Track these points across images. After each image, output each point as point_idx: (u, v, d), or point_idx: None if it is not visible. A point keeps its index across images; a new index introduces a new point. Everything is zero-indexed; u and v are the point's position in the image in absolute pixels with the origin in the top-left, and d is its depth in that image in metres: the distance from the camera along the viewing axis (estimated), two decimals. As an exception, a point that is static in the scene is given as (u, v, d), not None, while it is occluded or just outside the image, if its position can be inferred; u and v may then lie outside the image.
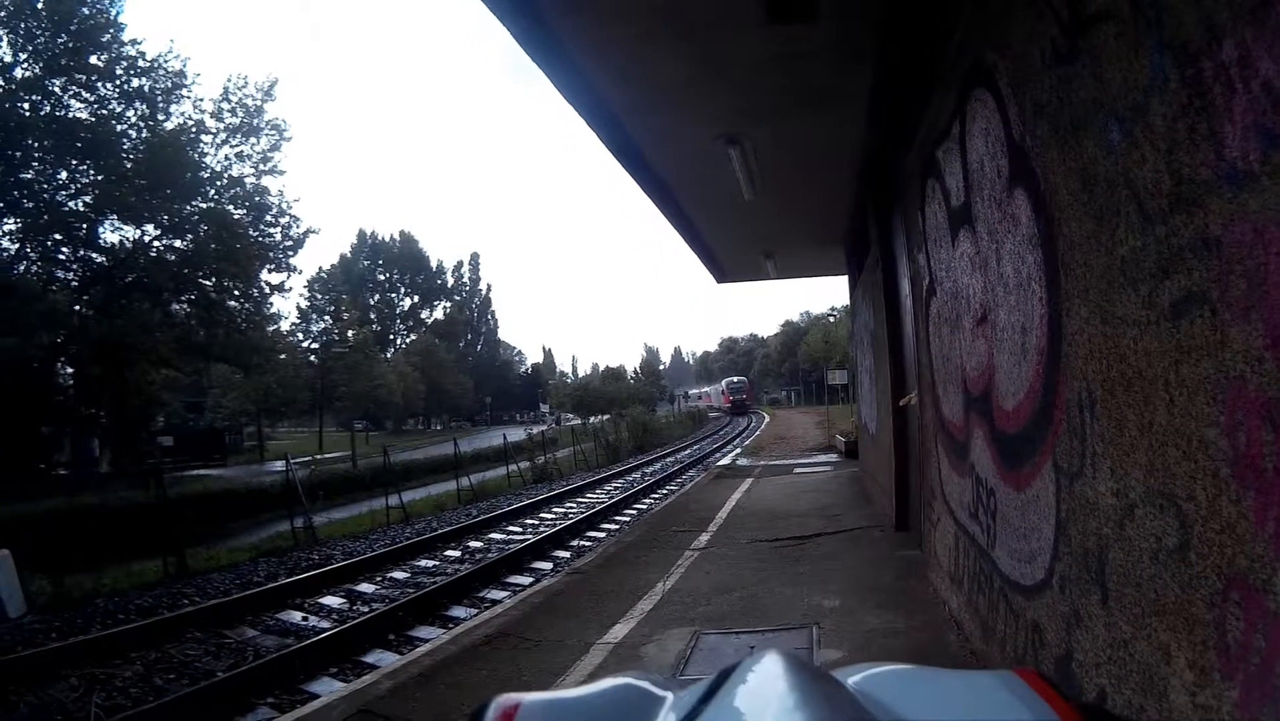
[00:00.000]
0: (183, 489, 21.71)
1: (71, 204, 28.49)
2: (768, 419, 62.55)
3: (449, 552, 14.41)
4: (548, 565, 12.57)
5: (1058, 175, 2.83)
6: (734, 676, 1.03)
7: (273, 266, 34.53)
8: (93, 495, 20.72)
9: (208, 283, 32.00)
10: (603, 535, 14.87)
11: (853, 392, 22.31)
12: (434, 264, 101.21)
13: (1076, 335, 2.76)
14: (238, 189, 32.32)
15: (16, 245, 28.31)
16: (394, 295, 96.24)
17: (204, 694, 7.20)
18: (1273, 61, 1.56)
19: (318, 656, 8.17)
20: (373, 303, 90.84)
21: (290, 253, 34.77)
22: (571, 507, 19.49)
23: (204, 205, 30.89)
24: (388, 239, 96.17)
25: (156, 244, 30.87)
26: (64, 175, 28.10)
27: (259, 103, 32.28)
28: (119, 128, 28.59)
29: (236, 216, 32.06)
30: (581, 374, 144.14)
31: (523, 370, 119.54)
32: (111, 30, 27.81)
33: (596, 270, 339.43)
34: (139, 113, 29.16)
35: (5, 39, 26.08)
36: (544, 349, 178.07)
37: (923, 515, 7.10)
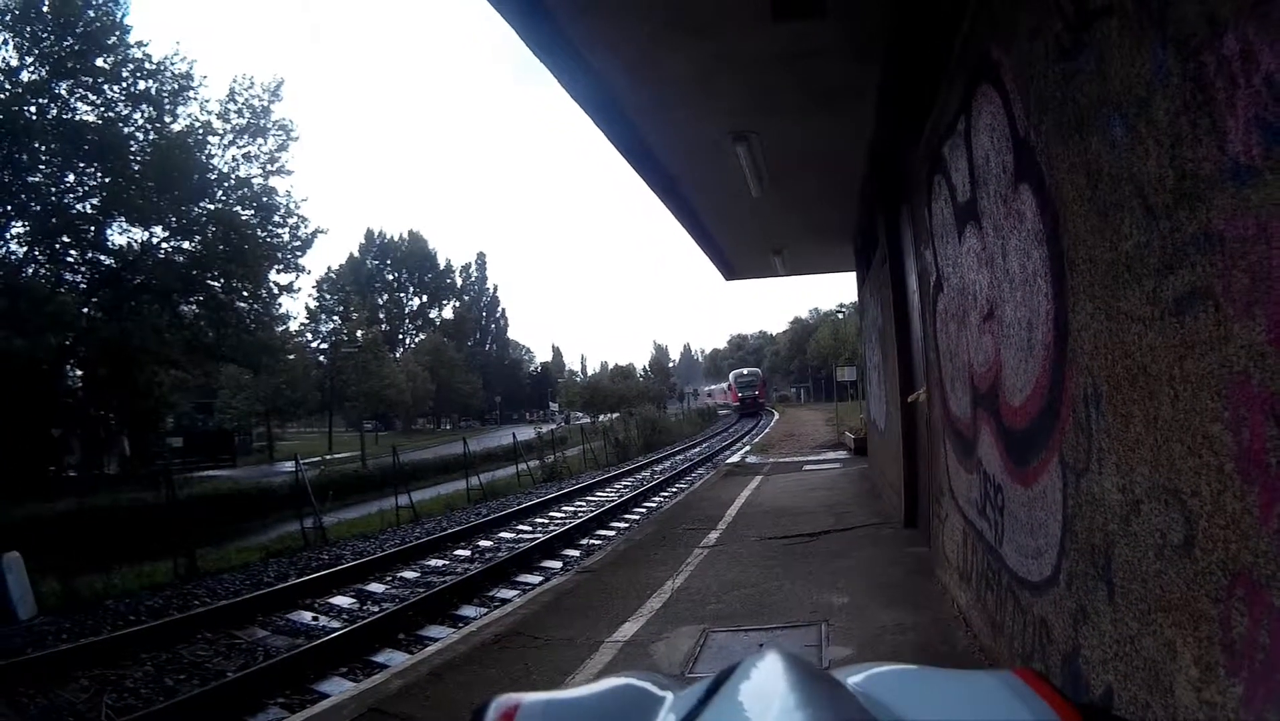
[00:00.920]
0: (192, 490, 21.84)
1: (79, 206, 28.47)
2: (777, 416, 62.65)
3: (459, 552, 14.47)
4: (557, 564, 12.62)
5: (1063, 171, 2.82)
6: (734, 676, 1.03)
7: (281, 267, 34.47)
8: (102, 496, 20.78)
9: (216, 284, 31.94)
10: (612, 533, 14.91)
11: (861, 389, 22.29)
12: (443, 263, 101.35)
13: (1082, 331, 2.76)
14: (245, 190, 32.23)
15: (24, 248, 28.31)
16: (403, 295, 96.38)
17: (214, 694, 7.23)
18: (1274, 56, 1.55)
19: (328, 656, 8.20)
20: (381, 302, 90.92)
21: (298, 253, 34.72)
22: (581, 506, 19.54)
23: (212, 206, 30.83)
24: (396, 238, 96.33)
25: (165, 245, 30.87)
26: (71, 178, 28.10)
27: (265, 103, 32.22)
28: (126, 130, 28.54)
29: (244, 217, 31.97)
30: (591, 372, 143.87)
31: (532, 369, 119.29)
32: (117, 33, 27.80)
33: (605, 268, 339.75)
34: (146, 115, 29.10)
35: (11, 42, 26.09)
36: (553, 348, 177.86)
37: (931, 512, 7.09)
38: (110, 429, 32.68)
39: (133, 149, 28.72)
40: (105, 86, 27.79)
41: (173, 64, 29.61)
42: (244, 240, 31.16)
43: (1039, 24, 2.94)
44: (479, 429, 73.96)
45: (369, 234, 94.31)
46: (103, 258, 30.20)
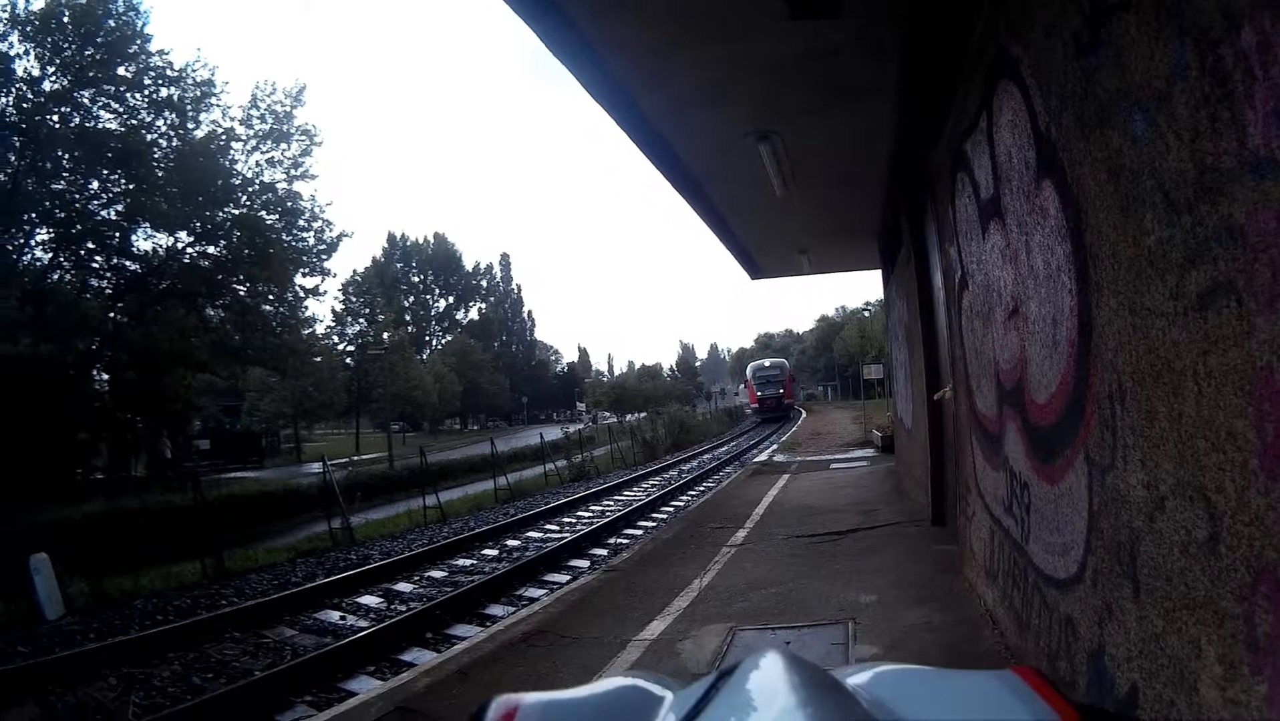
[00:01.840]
0: (220, 491, 21.99)
1: (104, 213, 28.70)
2: (804, 415, 62.42)
3: (486, 551, 14.50)
4: (585, 563, 12.62)
5: (1084, 166, 2.81)
6: (734, 676, 1.04)
7: (306, 270, 34.63)
8: (130, 499, 21.00)
9: (242, 288, 32.16)
10: (640, 532, 14.88)
11: (888, 387, 22.18)
12: (469, 265, 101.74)
13: (1106, 327, 2.74)
14: (269, 194, 32.36)
15: (50, 255, 28.60)
16: (428, 296, 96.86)
17: (242, 692, 7.29)
18: (1292, 48, 1.54)
19: (355, 655, 8.24)
20: (408, 304, 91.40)
21: (324, 256, 34.79)
22: (609, 505, 19.54)
23: (236, 211, 30.97)
24: (421, 240, 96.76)
25: (190, 250, 31.08)
26: (95, 185, 28.36)
27: (288, 109, 32.32)
28: (149, 137, 28.76)
29: (269, 222, 32.10)
30: (617, 372, 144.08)
31: (559, 369, 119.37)
32: (139, 41, 28.00)
33: (631, 268, 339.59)
34: (168, 122, 29.33)
35: (33, 53, 26.36)
36: (580, 348, 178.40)
37: (958, 509, 7.06)
38: (137, 432, 32.94)
39: (156, 156, 28.99)
40: (127, 94, 28.06)
41: (194, 71, 29.89)
42: (269, 244, 31.32)
43: (1056, 19, 2.93)
44: (506, 429, 74.15)
45: (391, 237, 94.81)
46: (128, 263, 30.48)
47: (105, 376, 31.55)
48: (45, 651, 9.50)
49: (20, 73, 26.32)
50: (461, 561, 13.68)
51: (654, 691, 1.14)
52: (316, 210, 34.38)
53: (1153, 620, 2.41)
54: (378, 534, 18.23)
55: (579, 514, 18.55)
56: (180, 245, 30.91)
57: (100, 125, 27.79)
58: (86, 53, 26.59)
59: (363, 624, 9.90)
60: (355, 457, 40.87)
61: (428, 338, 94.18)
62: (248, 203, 31.69)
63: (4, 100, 26.07)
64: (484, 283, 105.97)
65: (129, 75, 27.82)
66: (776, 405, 63.85)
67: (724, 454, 33.34)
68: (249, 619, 10.27)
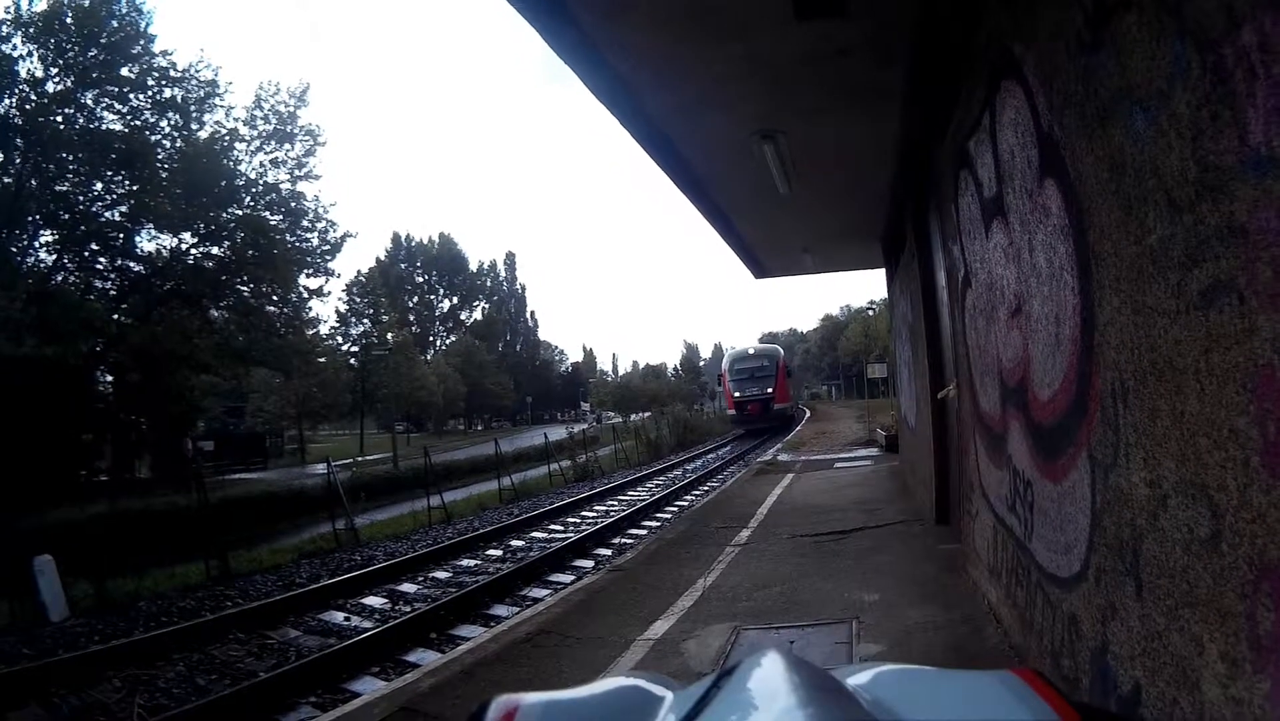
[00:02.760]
0: (224, 492, 22.02)
1: (108, 214, 28.85)
2: (808, 414, 62.39)
3: (491, 551, 14.51)
4: (589, 562, 12.63)
5: (1087, 165, 2.81)
6: (734, 676, 1.04)
7: (311, 271, 34.70)
8: (134, 500, 21.01)
9: (246, 289, 32.28)
10: (644, 532, 14.89)
11: (892, 386, 22.17)
12: (474, 266, 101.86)
13: (1109, 325, 2.74)
14: (273, 195, 32.50)
15: (54, 256, 28.75)
16: (433, 297, 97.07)
17: (246, 693, 7.30)
18: (1293, 47, 1.55)
19: (360, 655, 8.24)
20: (411, 305, 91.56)
21: (328, 257, 34.86)
22: (613, 505, 19.56)
23: (240, 212, 31.10)
24: (425, 241, 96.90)
25: (194, 251, 31.22)
26: (99, 186, 28.46)
27: (292, 109, 32.46)
28: (153, 138, 28.92)
29: (273, 222, 32.27)
30: (622, 372, 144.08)
31: (563, 369, 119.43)
32: (142, 42, 28.12)
33: (635, 268, 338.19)
34: (172, 122, 29.47)
35: (36, 54, 26.46)
36: (584, 348, 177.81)
37: (962, 508, 7.06)
38: (141, 433, 33.01)
39: (160, 156, 29.14)
40: (131, 95, 28.18)
41: (198, 71, 30.01)
42: (273, 245, 31.47)
43: (1059, 19, 2.93)
44: (510, 429, 74.09)
45: (395, 237, 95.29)
46: (132, 264, 30.66)
47: (109, 378, 31.67)
48: (49, 653, 9.52)
49: (23, 74, 26.52)
50: (466, 561, 13.68)
51: (654, 691, 1.14)
52: (320, 211, 34.57)
53: (1155, 618, 2.41)
54: (382, 534, 18.24)
55: (583, 514, 18.56)
56: (184, 246, 31.10)
57: (104, 126, 27.95)
58: (90, 54, 26.72)
59: (367, 624, 9.91)
60: (359, 458, 40.91)
61: (432, 338, 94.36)
62: (252, 203, 31.86)
63: (7, 102, 26.22)
64: (488, 282, 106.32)
65: (132, 76, 27.94)
66: (763, 411, 44.72)
67: (728, 453, 33.35)
68: (253, 620, 10.27)
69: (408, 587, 11.89)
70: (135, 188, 28.09)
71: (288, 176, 33.18)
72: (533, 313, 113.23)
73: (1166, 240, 2.19)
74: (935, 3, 5.21)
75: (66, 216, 27.72)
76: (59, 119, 26.67)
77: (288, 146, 32.80)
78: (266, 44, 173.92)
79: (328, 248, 34.74)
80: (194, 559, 14.85)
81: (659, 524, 15.66)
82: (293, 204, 33.28)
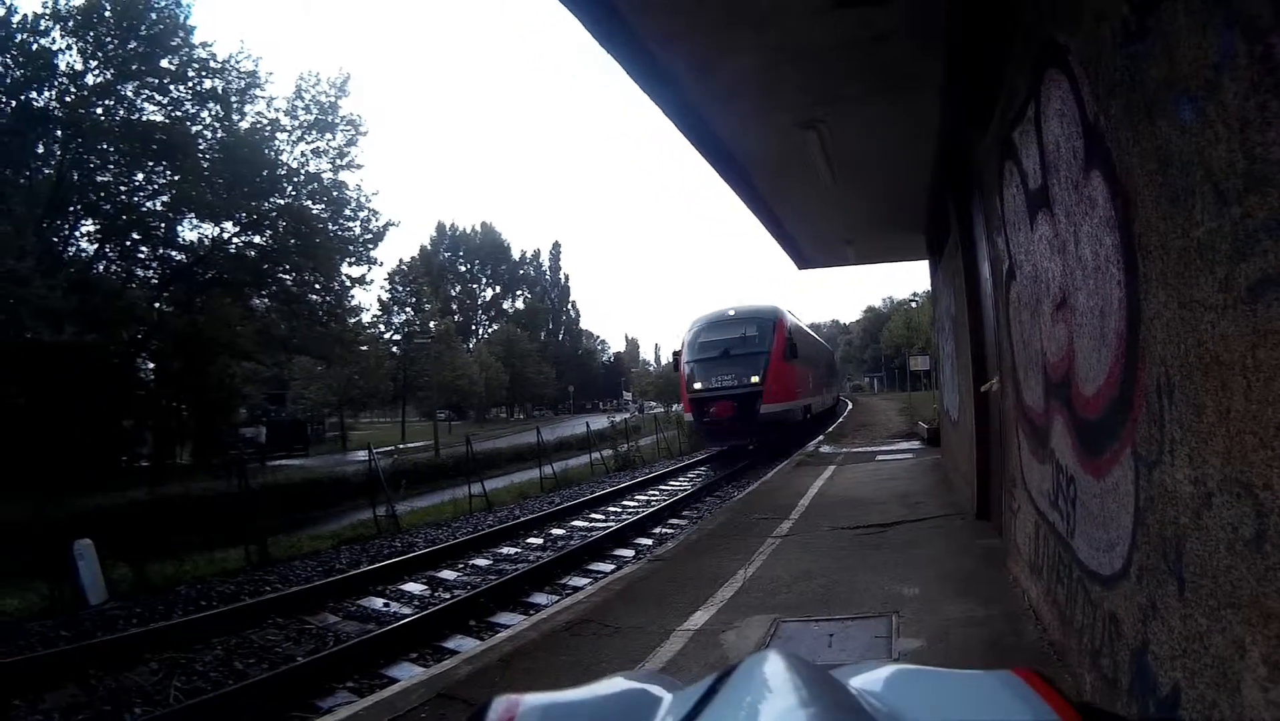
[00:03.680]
0: (265, 478, 22.27)
1: (149, 204, 29.31)
2: (850, 406, 61.79)
3: (531, 540, 14.57)
4: (629, 552, 12.66)
5: (1133, 156, 2.76)
6: (734, 676, 1.04)
7: (353, 260, 34.99)
8: (174, 486, 21.33)
9: (288, 277, 32.72)
10: (684, 522, 14.92)
11: (935, 379, 21.98)
12: (516, 255, 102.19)
13: (1154, 319, 2.69)
14: (315, 184, 32.85)
15: (95, 245, 29.26)
16: (475, 285, 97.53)
17: (284, 677, 7.39)
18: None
19: (398, 642, 8.31)
20: (454, 293, 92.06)
21: (370, 246, 35.12)
22: (654, 495, 19.60)
23: (282, 201, 31.49)
24: (468, 230, 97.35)
25: (236, 240, 31.65)
26: (140, 177, 28.89)
27: (333, 99, 32.74)
28: (194, 129, 29.32)
29: (315, 211, 32.65)
30: (664, 362, 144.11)
31: (606, 359, 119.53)
32: (181, 34, 28.51)
33: (678, 258, 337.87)
34: (213, 113, 29.88)
35: (75, 47, 26.85)
36: (627, 338, 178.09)
37: (1003, 503, 6.99)
38: (182, 419, 33.52)
39: (201, 147, 29.56)
40: (171, 87, 28.57)
41: (238, 62, 30.40)
42: (315, 234, 31.85)
43: (1104, 7, 2.88)
44: (552, 418, 74.12)
45: (440, 226, 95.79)
46: (174, 253, 31.19)
47: (150, 365, 32.16)
48: (87, 635, 9.67)
49: (63, 67, 26.91)
50: (506, 549, 13.76)
51: (654, 691, 1.14)
52: (363, 200, 34.96)
53: (1197, 619, 2.37)
54: (422, 521, 18.41)
55: (624, 503, 18.61)
56: (226, 235, 31.53)
57: (144, 117, 28.34)
58: (129, 46, 27.09)
59: (406, 611, 9.99)
60: (401, 446, 41.19)
61: (474, 326, 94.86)
62: (293, 192, 32.25)
63: (47, 95, 26.67)
64: (531, 271, 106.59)
65: (172, 68, 28.32)
66: (741, 416, 25.23)
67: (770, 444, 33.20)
68: (292, 605, 10.39)
69: (447, 574, 11.98)
70: (176, 178, 28.52)
71: (329, 166, 33.55)
72: (575, 302, 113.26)
73: (1214, 233, 2.15)
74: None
75: (108, 206, 28.20)
76: (99, 111, 27.09)
77: (329, 136, 33.17)
78: (309, 33, 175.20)
79: (370, 236, 35.06)
80: (234, 544, 15.05)
81: (699, 514, 15.65)
82: (335, 193, 33.63)
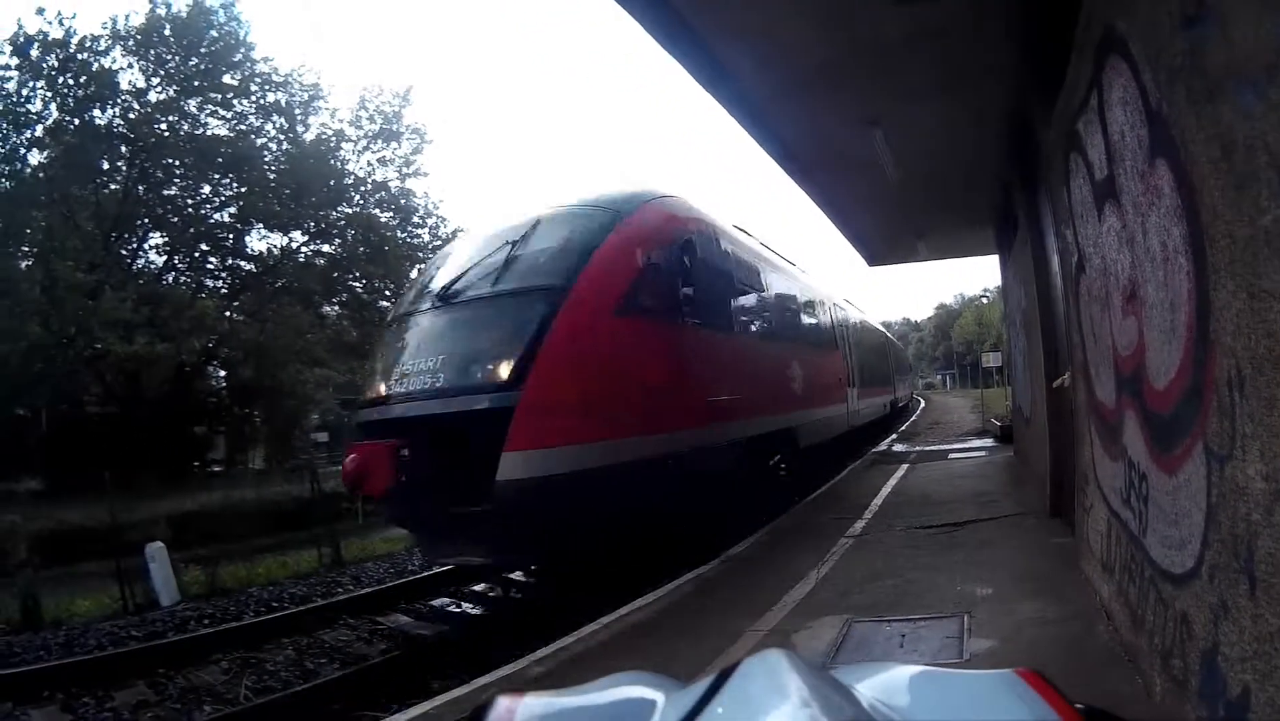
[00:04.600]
0: (337, 482, 22.57)
1: (217, 216, 29.93)
2: (923, 405, 60.77)
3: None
4: (703, 552, 12.42)
5: (1197, 143, 2.69)
6: (735, 676, 1.03)
7: (422, 266, 35.58)
8: (247, 490, 21.69)
9: (358, 284, 33.20)
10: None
11: (1006, 375, 21.62)
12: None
13: (1223, 310, 2.62)
14: (383, 193, 33.32)
15: (164, 257, 30.01)
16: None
17: (355, 677, 7.48)
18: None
19: (470, 640, 8.34)
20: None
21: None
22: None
23: (350, 210, 31.96)
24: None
25: (304, 249, 32.22)
26: (207, 189, 29.51)
27: (397, 109, 33.21)
28: (258, 141, 29.90)
29: (384, 219, 33.14)
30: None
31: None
32: (242, 50, 29.06)
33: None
34: (277, 126, 30.42)
35: (136, 65, 27.48)
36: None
37: (1076, 501, 6.85)
38: (254, 425, 34.23)
39: (266, 159, 30.17)
40: (235, 101, 29.09)
41: (301, 76, 31.01)
42: (384, 241, 32.24)
43: (1162, -9, 2.82)
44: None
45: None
46: (242, 263, 31.80)
47: (222, 373, 32.83)
48: (157, 636, 9.85)
49: (125, 85, 27.52)
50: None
51: (654, 691, 1.14)
52: (430, 206, 35.34)
53: (1268, 619, 2.30)
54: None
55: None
56: (295, 245, 32.11)
57: (209, 132, 28.94)
58: (190, 63, 27.63)
59: (476, 611, 10.06)
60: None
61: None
62: (361, 201, 32.70)
63: (111, 112, 27.27)
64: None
65: (235, 82, 28.85)
66: (454, 488, 7.62)
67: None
68: (364, 605, 10.48)
69: (518, 575, 12.01)
70: (243, 189, 29.13)
71: (396, 174, 34.01)
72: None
73: (1280, 221, 2.09)
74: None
75: (175, 219, 28.81)
76: (163, 126, 27.67)
77: (394, 145, 33.59)
78: (377, 39, 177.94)
79: (439, 243, 35.44)
80: (306, 547, 15.32)
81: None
82: (402, 201, 34.08)
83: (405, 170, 34.12)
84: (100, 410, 24.87)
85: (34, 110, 26.17)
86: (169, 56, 27.64)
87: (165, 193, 28.64)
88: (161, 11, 27.44)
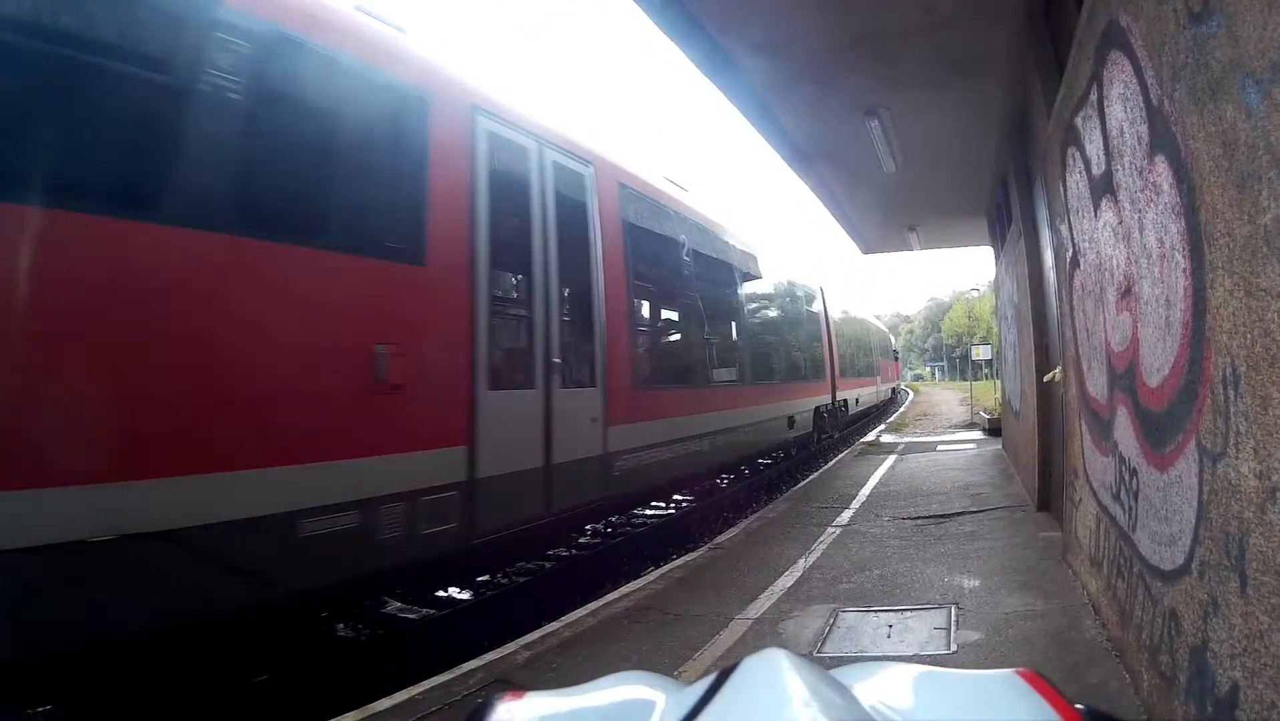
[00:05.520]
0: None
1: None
2: (911, 396, 60.81)
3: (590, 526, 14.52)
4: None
5: (1198, 141, 2.69)
6: (735, 676, 1.04)
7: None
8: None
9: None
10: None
11: (996, 368, 21.69)
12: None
13: (1220, 308, 2.63)
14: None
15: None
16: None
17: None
18: None
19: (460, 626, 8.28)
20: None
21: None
22: (715, 482, 19.45)
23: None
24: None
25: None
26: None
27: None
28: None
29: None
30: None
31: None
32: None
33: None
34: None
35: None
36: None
37: (1064, 495, 6.88)
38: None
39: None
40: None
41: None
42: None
43: (1167, -12, 2.81)
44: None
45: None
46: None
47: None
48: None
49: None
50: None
51: (654, 691, 1.14)
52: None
53: (1258, 617, 2.31)
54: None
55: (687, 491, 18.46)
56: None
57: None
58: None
59: (465, 596, 10.02)
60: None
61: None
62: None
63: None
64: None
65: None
66: None
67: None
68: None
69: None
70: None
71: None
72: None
73: (1280, 220, 2.09)
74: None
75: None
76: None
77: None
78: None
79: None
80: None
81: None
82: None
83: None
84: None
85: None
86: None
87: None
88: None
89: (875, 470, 14.09)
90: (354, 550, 5.43)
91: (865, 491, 11.70)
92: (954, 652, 4.90)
